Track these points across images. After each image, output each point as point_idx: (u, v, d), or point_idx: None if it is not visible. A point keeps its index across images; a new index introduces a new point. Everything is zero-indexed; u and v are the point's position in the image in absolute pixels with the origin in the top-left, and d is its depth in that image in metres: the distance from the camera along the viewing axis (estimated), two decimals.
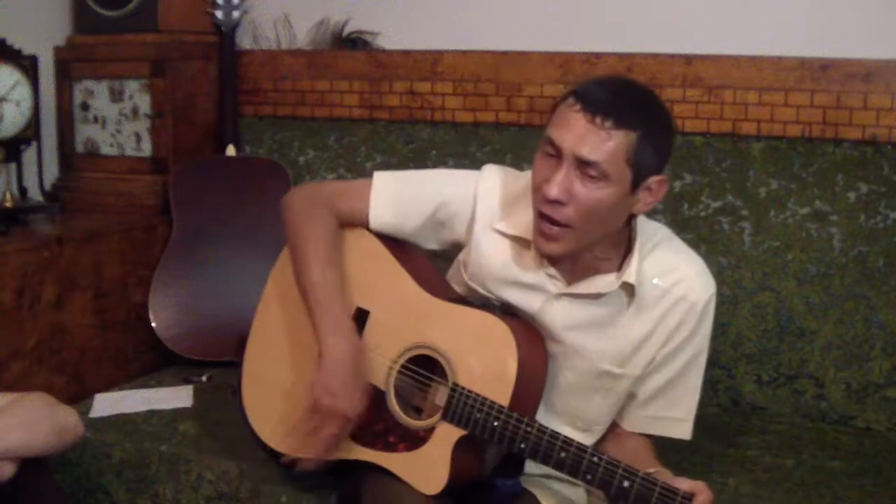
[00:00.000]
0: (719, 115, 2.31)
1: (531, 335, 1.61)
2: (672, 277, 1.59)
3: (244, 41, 2.82)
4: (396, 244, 1.74)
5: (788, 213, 2.22)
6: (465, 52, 2.55)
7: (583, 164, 1.46)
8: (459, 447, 1.55)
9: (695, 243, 2.26)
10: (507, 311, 1.65)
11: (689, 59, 2.33)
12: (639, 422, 1.67)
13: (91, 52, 2.69)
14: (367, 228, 1.73)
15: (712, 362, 2.21)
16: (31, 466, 1.62)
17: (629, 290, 1.58)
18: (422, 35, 2.62)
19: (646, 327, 1.60)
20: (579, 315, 1.61)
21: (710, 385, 2.24)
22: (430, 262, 1.79)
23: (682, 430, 1.67)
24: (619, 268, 1.60)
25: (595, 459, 1.45)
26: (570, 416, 1.67)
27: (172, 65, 2.63)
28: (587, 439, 1.66)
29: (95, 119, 2.71)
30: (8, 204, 2.43)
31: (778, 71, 2.26)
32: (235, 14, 2.71)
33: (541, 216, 1.53)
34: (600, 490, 1.48)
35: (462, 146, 2.53)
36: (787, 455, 2.00)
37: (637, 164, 1.47)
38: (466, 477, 1.58)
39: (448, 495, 1.55)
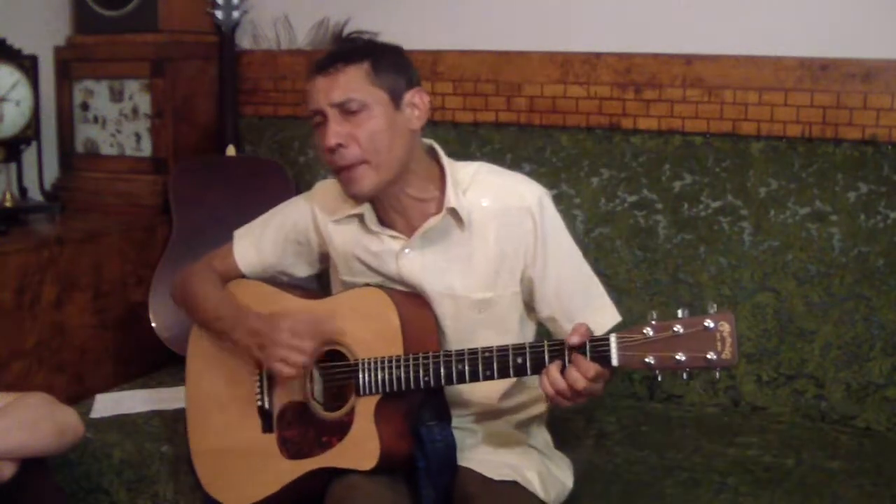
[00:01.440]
0: (719, 115, 2.31)
1: (410, 295, 1.69)
2: (498, 195, 1.68)
3: (244, 41, 2.82)
4: (277, 282, 1.86)
5: (788, 213, 2.22)
6: (465, 52, 2.55)
7: (341, 109, 1.59)
8: (379, 412, 1.61)
9: (695, 243, 2.27)
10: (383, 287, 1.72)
11: (689, 59, 2.33)
12: (567, 322, 1.69)
13: (91, 52, 2.69)
14: (245, 277, 1.85)
15: None
16: (32, 466, 1.62)
17: (455, 214, 1.65)
18: (422, 35, 2.61)
19: (496, 245, 1.67)
20: (431, 259, 1.68)
21: (710, 385, 2.24)
22: (313, 285, 1.95)
23: (609, 315, 1.71)
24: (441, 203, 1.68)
25: (486, 354, 1.54)
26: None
27: (172, 65, 2.63)
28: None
29: (95, 119, 2.71)
30: (8, 204, 2.44)
31: (778, 71, 2.26)
32: (235, 14, 2.71)
33: (337, 172, 1.64)
34: (502, 377, 1.55)
35: (462, 146, 2.53)
36: (787, 455, 2.00)
37: (383, 84, 1.61)
38: (397, 439, 1.62)
39: (392, 463, 1.60)
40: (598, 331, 1.60)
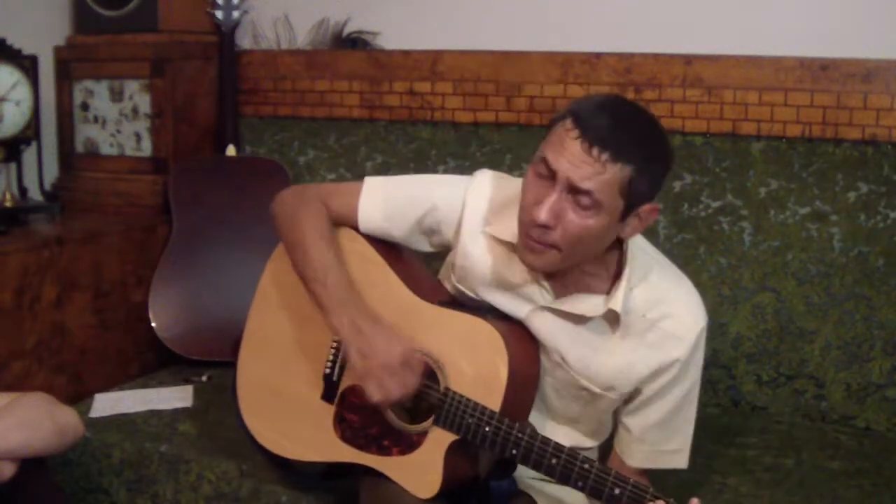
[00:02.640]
0: (719, 115, 2.31)
1: (524, 340, 1.61)
2: (661, 310, 1.57)
3: (244, 41, 2.82)
4: (387, 247, 1.72)
5: (788, 213, 2.22)
6: (465, 52, 2.55)
7: (575, 192, 1.44)
8: (451, 452, 1.55)
9: (695, 243, 2.27)
10: (499, 316, 1.64)
11: (689, 59, 2.33)
12: (637, 457, 1.65)
13: (91, 52, 2.69)
14: (357, 231, 1.72)
15: (712, 362, 2.23)
16: (31, 466, 1.62)
17: (615, 316, 1.57)
18: (422, 35, 2.62)
19: (630, 357, 1.58)
20: (563, 330, 1.60)
21: (710, 385, 2.24)
22: (422, 265, 1.79)
23: (679, 460, 1.66)
24: (609, 290, 1.58)
25: (586, 466, 1.45)
26: (554, 413, 1.68)
27: (172, 65, 2.63)
28: (572, 433, 1.67)
29: (95, 119, 2.71)
30: (8, 204, 2.43)
31: (778, 71, 2.26)
32: (235, 14, 2.71)
33: (528, 236, 1.51)
34: (592, 496, 1.48)
35: (462, 146, 2.53)
36: (787, 455, 2.00)
37: (630, 196, 1.45)
38: (460, 480, 1.59)
39: (443, 497, 1.56)
40: (660, 466, 1.63)
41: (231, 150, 2.71)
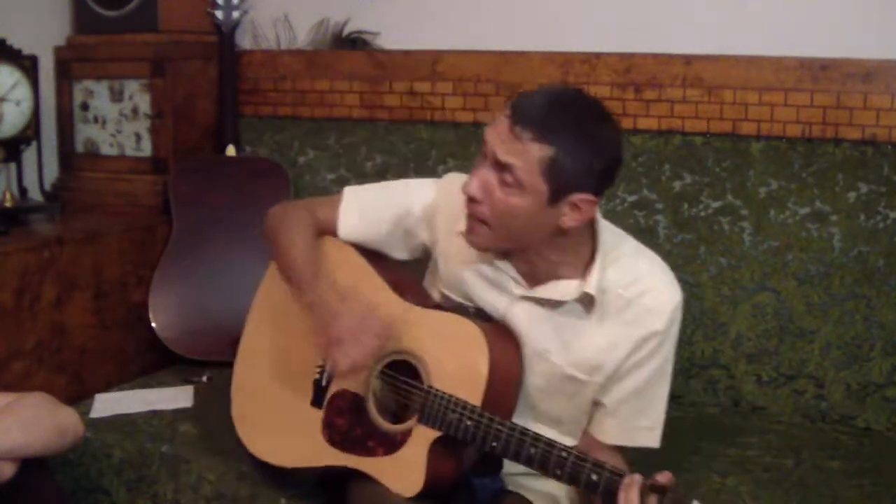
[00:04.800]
0: (719, 115, 2.31)
1: (505, 337, 1.63)
2: (637, 287, 1.59)
3: (244, 41, 2.82)
4: (373, 255, 1.77)
5: (788, 213, 2.22)
6: (465, 52, 2.55)
7: (500, 167, 1.49)
8: (435, 448, 1.57)
9: (695, 243, 2.27)
10: (482, 316, 1.67)
11: (689, 59, 2.33)
12: (608, 431, 1.66)
13: (91, 52, 2.69)
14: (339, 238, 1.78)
15: (712, 362, 2.23)
16: (32, 466, 1.62)
17: (590, 299, 1.58)
18: (422, 35, 2.62)
19: (611, 336, 1.60)
20: (542, 319, 1.62)
21: (710, 385, 2.24)
22: (407, 272, 1.82)
23: (651, 438, 1.66)
24: (582, 275, 1.60)
25: (563, 454, 1.48)
26: (542, 415, 1.68)
27: (172, 65, 2.63)
28: (563, 437, 1.67)
29: (95, 119, 2.71)
30: (8, 204, 2.43)
31: (778, 71, 2.26)
32: (235, 14, 2.71)
33: (466, 213, 1.57)
34: (571, 484, 1.50)
35: (462, 146, 2.53)
36: (787, 455, 2.00)
37: (553, 179, 1.47)
38: (443, 477, 1.60)
39: (428, 497, 1.57)
40: (631, 443, 1.64)
41: (231, 150, 2.71)
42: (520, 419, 1.62)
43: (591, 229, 1.61)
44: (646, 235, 2.31)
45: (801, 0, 2.29)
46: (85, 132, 2.73)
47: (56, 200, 2.61)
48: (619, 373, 1.62)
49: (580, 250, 1.60)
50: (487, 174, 1.51)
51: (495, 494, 1.66)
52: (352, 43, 2.71)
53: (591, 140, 1.49)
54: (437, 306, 1.71)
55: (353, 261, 1.74)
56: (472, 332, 1.58)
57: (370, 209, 1.76)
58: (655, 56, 2.36)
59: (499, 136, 1.49)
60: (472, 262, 1.66)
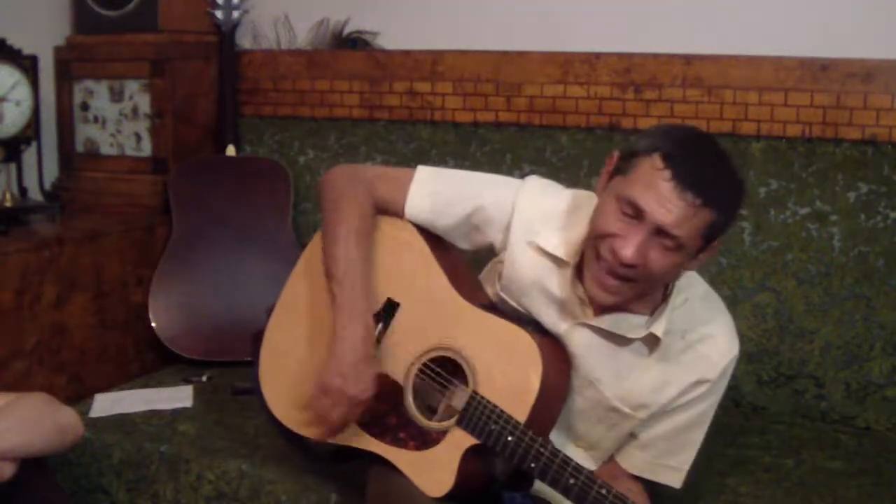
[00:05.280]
0: (719, 115, 2.30)
1: (558, 356, 1.60)
2: (699, 333, 1.58)
3: (244, 41, 2.82)
4: (435, 239, 1.71)
5: (788, 213, 2.22)
6: (465, 52, 2.55)
7: (662, 234, 1.44)
8: (469, 455, 1.54)
9: None
10: (539, 329, 1.63)
11: (689, 59, 2.33)
12: (636, 463, 1.66)
13: (91, 52, 2.69)
14: (403, 218, 1.71)
15: None
16: (31, 466, 1.62)
17: (654, 340, 1.57)
18: (422, 35, 2.62)
19: (663, 377, 1.59)
20: (600, 349, 1.60)
21: None
22: (467, 264, 1.77)
23: (676, 478, 1.65)
24: (652, 313, 1.59)
25: (603, 492, 1.44)
26: (578, 437, 1.67)
27: (172, 65, 2.63)
28: (588, 460, 1.67)
29: (95, 119, 2.71)
30: (8, 204, 2.43)
31: (778, 71, 2.26)
32: (235, 14, 2.71)
33: (607, 271, 1.50)
34: None
35: (462, 146, 2.53)
36: (787, 455, 2.00)
37: (710, 236, 1.47)
38: (472, 486, 1.57)
39: (453, 499, 1.54)
40: (655, 478, 1.64)
41: (231, 150, 2.71)
42: (555, 434, 1.61)
43: None
44: None
45: (801, 0, 2.29)
46: (85, 132, 2.73)
47: (56, 200, 2.61)
48: (662, 412, 1.61)
49: (656, 287, 1.58)
50: (645, 240, 1.45)
51: None
52: (352, 43, 2.71)
53: (741, 193, 1.50)
54: (493, 307, 1.66)
55: (416, 245, 1.68)
56: (527, 345, 1.53)
57: (444, 197, 1.68)
58: (655, 56, 2.36)
59: (663, 204, 1.42)
60: (540, 280, 1.62)
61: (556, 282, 1.61)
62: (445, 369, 1.60)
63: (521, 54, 2.49)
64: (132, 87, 2.65)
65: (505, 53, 2.51)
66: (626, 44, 2.40)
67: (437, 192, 1.69)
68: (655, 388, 1.59)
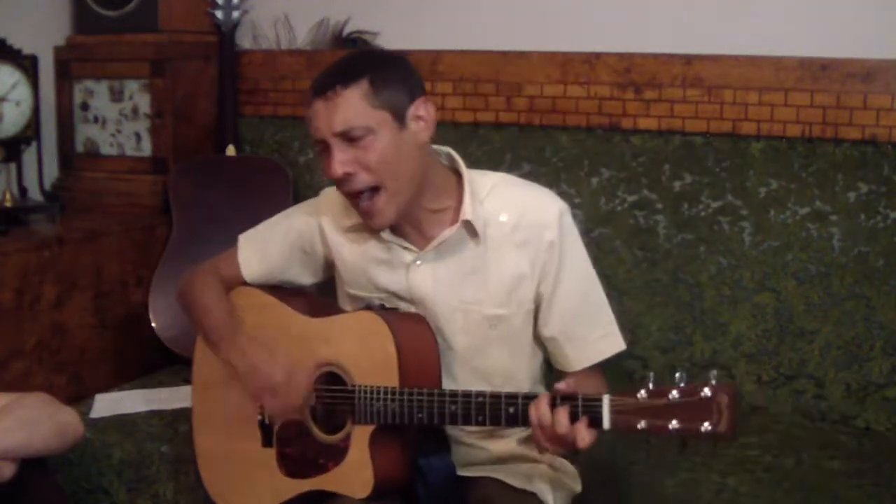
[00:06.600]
0: (719, 115, 2.31)
1: (410, 319, 1.65)
2: (517, 209, 1.63)
3: (244, 41, 2.82)
4: (281, 289, 1.81)
5: (788, 213, 2.22)
6: (464, 52, 2.55)
7: (344, 137, 1.54)
8: (375, 442, 1.59)
9: (695, 243, 2.27)
10: (384, 308, 1.69)
11: (689, 59, 2.33)
12: (572, 357, 1.66)
13: (91, 52, 2.69)
14: (249, 286, 1.82)
15: (712, 362, 2.23)
16: (32, 466, 1.62)
17: (472, 228, 1.61)
18: (422, 35, 2.62)
19: (513, 262, 1.62)
20: (443, 272, 1.64)
21: None
22: (315, 293, 1.88)
23: (613, 344, 1.67)
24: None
25: (479, 399, 1.50)
26: (483, 378, 1.68)
27: (172, 65, 2.63)
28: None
29: (95, 119, 2.71)
30: (8, 204, 2.43)
31: (778, 71, 2.26)
32: (235, 14, 2.71)
33: (350, 198, 1.60)
34: (496, 425, 1.52)
35: (462, 146, 2.51)
36: (787, 455, 2.00)
37: (385, 104, 1.54)
38: (392, 469, 1.61)
39: (385, 493, 1.59)
40: (598, 357, 1.63)
41: (231, 150, 2.71)
42: (466, 386, 1.63)
43: (453, 166, 1.67)
44: (646, 235, 2.32)
45: (801, 0, 2.29)
46: (85, 132, 2.73)
47: (56, 200, 2.61)
48: (544, 300, 1.64)
49: (450, 191, 1.64)
50: (339, 152, 1.55)
51: (448, 478, 1.65)
52: (352, 43, 2.71)
53: (381, 58, 1.65)
54: (341, 311, 1.74)
55: (263, 301, 1.78)
56: (372, 321, 1.60)
57: (265, 246, 1.80)
58: (655, 56, 2.36)
59: (322, 117, 1.54)
60: (364, 253, 1.69)
61: (374, 245, 1.68)
62: (335, 384, 1.65)
63: (521, 54, 2.49)
64: (132, 87, 2.65)
65: (505, 53, 2.51)
66: (626, 44, 2.40)
67: (259, 246, 1.81)
68: (513, 275, 1.62)
